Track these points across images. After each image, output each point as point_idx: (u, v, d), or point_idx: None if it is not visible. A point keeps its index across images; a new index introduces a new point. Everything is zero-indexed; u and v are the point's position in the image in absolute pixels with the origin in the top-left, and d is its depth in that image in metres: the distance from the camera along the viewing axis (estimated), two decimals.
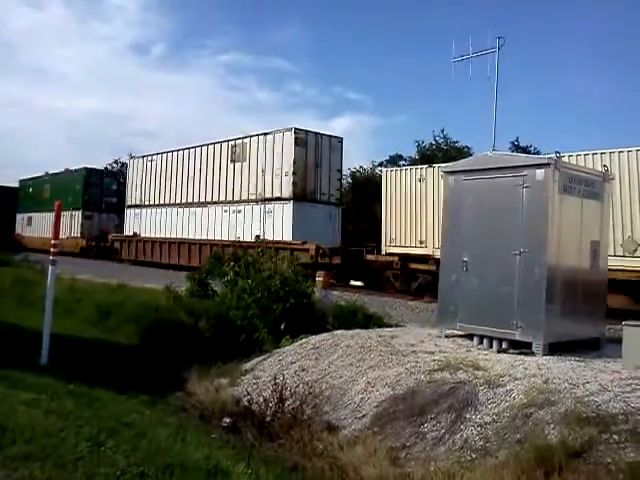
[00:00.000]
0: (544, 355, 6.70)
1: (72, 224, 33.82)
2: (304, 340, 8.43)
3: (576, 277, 7.33)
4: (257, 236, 19.53)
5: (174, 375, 7.86)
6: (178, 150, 25.93)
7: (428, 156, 29.31)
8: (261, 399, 6.62)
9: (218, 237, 22.21)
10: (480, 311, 7.46)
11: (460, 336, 7.88)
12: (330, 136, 21.01)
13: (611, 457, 4.30)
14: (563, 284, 7.07)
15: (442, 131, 32.48)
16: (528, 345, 6.92)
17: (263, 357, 8.37)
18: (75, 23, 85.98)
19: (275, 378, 6.80)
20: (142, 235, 27.33)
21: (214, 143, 23.53)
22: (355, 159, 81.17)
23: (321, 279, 15.16)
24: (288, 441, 5.78)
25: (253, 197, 21.02)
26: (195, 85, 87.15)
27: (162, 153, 27.15)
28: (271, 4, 77.91)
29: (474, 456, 4.89)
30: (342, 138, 21.43)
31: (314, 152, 20.17)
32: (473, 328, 7.54)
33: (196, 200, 24.17)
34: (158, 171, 26.99)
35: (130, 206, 29.00)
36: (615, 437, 4.48)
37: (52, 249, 7.65)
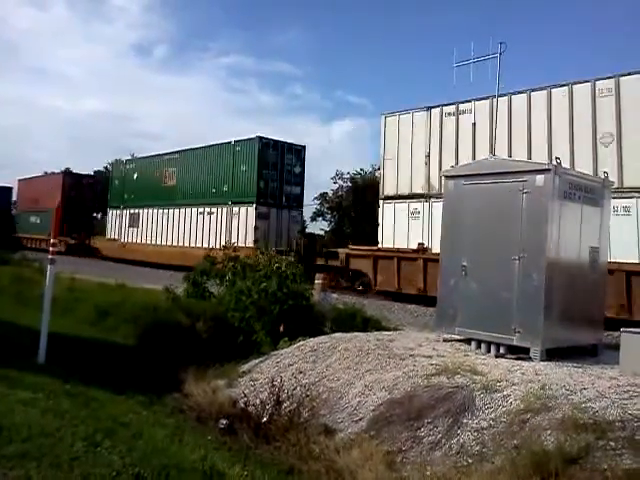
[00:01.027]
0: (542, 361, 6.70)
1: (235, 226, 21.55)
2: (302, 342, 8.42)
3: (575, 283, 7.32)
4: None
5: (171, 376, 7.85)
6: (537, 89, 14.10)
7: None
8: (258, 401, 6.61)
9: None
10: (478, 316, 7.45)
11: (458, 340, 7.87)
12: None
13: (608, 464, 4.29)
14: (562, 290, 7.07)
15: None
16: (526, 350, 6.92)
17: (261, 359, 8.36)
18: (78, 24, 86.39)
19: (272, 380, 6.81)
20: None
21: None
22: (355, 162, 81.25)
23: (320, 281, 15.13)
24: (284, 444, 5.77)
25: None
26: (197, 87, 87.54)
27: (484, 98, 14.73)
28: (273, 8, 78.14)
29: (470, 461, 4.88)
30: None
31: None
32: (471, 333, 7.54)
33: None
34: (481, 129, 14.64)
35: (393, 198, 16.38)
36: (612, 444, 4.47)
37: (51, 248, 7.67)
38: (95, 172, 45.08)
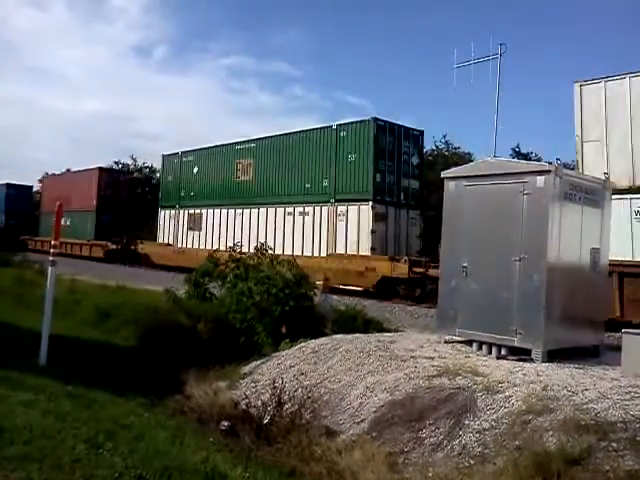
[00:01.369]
0: (543, 362, 6.70)
1: (341, 229, 17.45)
2: (303, 344, 8.42)
3: (576, 284, 7.32)
4: None
5: (172, 377, 7.85)
6: None
7: (430, 162, 29.32)
8: (259, 403, 6.61)
9: None
10: (479, 317, 7.45)
11: (459, 342, 7.86)
12: None
13: (610, 465, 4.29)
14: (563, 291, 7.07)
15: (444, 137, 31.82)
16: (527, 352, 6.91)
17: (262, 360, 8.35)
18: (78, 24, 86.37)
19: (274, 382, 6.80)
20: None
21: None
22: None
23: (321, 282, 15.12)
24: (286, 445, 5.76)
25: None
26: (197, 88, 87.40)
27: None
28: (273, 8, 78.29)
29: (472, 462, 4.87)
30: None
31: None
32: (472, 334, 7.53)
33: None
34: None
35: None
36: (614, 445, 4.47)
37: (52, 250, 7.67)
38: None
